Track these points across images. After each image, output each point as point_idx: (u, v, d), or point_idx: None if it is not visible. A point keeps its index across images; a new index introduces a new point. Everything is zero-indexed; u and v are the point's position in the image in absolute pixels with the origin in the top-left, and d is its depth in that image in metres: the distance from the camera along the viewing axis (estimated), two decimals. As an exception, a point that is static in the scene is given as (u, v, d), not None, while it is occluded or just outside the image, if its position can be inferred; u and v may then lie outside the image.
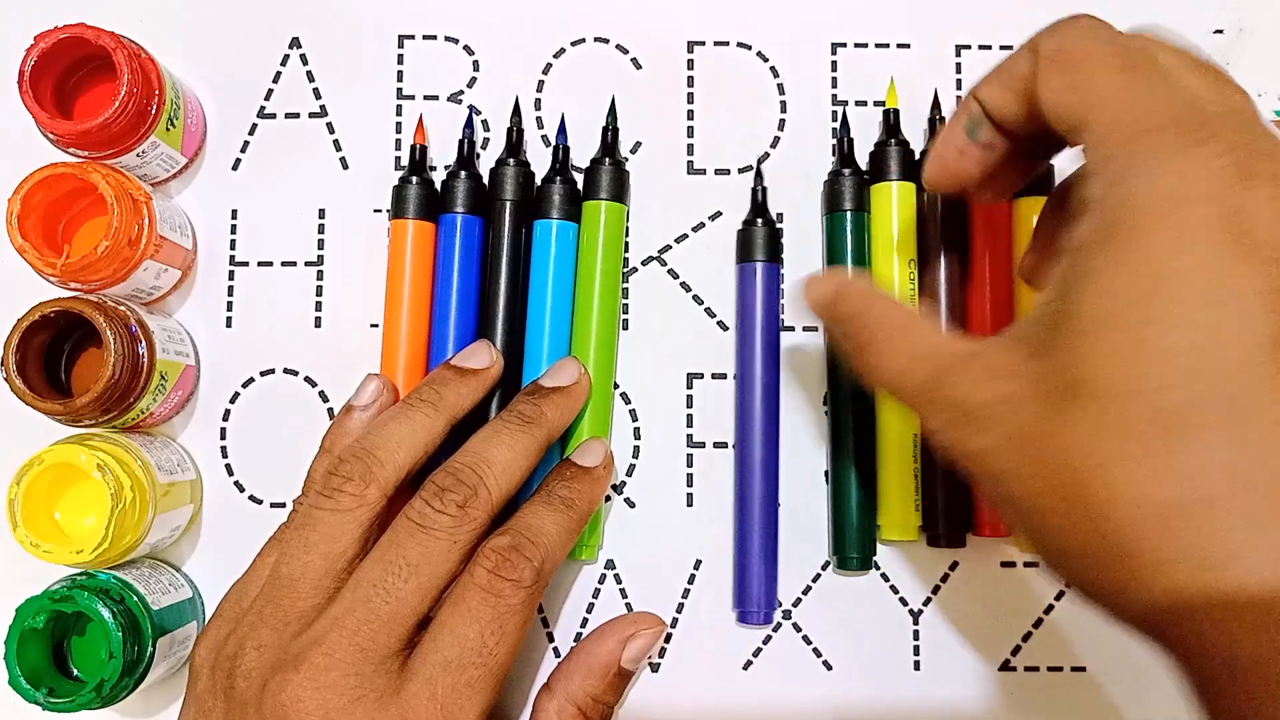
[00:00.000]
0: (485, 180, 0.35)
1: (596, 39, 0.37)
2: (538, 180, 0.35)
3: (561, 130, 0.35)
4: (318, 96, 0.37)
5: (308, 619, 0.27)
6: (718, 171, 0.37)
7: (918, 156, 0.35)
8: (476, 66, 0.37)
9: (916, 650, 0.35)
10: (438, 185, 0.35)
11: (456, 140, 0.36)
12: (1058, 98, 0.24)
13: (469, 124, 0.36)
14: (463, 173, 0.34)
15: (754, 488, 0.34)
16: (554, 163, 0.35)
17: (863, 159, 0.36)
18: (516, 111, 0.35)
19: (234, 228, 0.36)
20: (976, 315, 0.34)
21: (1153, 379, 0.20)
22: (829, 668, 0.35)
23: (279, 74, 0.37)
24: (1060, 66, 0.24)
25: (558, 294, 0.34)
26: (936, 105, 0.36)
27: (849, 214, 0.35)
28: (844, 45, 0.37)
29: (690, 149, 0.37)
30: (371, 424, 0.31)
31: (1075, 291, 0.21)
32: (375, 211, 0.36)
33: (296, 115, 0.36)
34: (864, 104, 0.37)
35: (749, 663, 0.35)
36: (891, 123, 0.35)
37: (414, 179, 0.34)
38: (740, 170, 0.37)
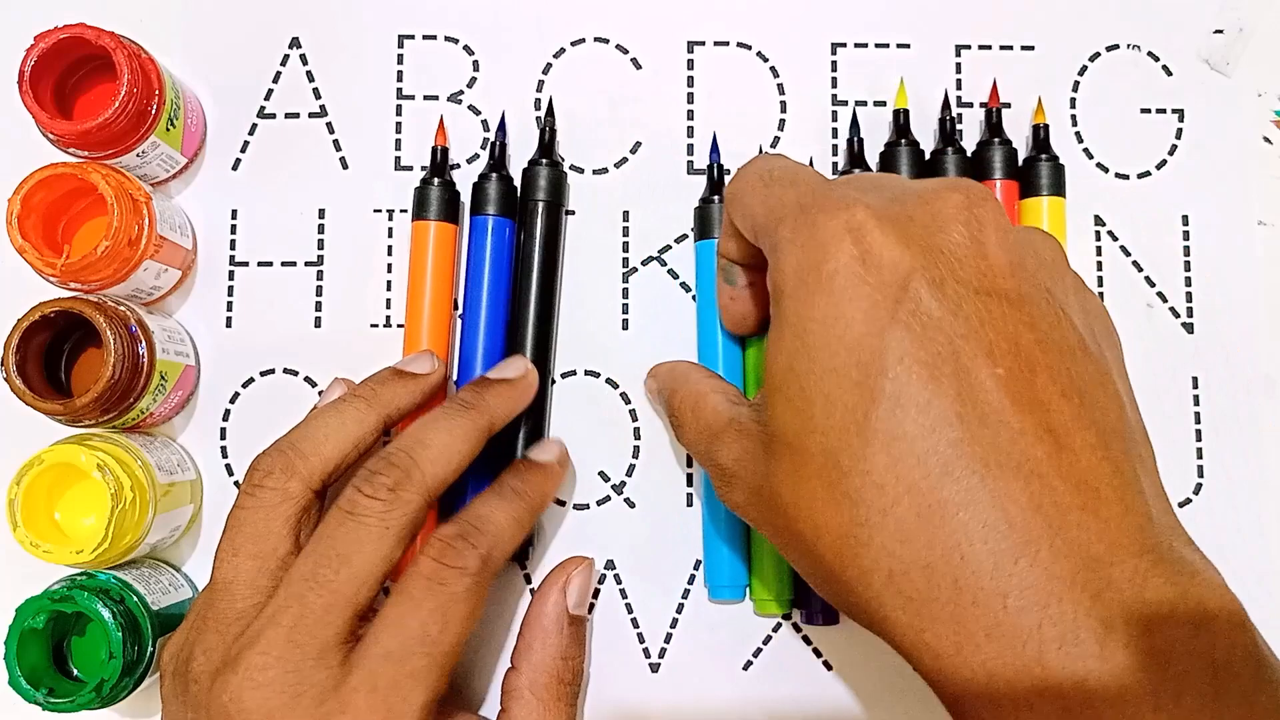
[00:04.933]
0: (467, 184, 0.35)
1: (596, 39, 0.37)
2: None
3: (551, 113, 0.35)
4: (318, 96, 0.37)
5: (247, 619, 0.27)
6: (718, 171, 0.37)
7: (928, 157, 0.35)
8: (476, 66, 0.37)
9: (917, 650, 0.35)
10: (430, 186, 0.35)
11: (451, 142, 0.36)
12: (740, 224, 0.28)
13: (501, 127, 0.36)
14: (494, 175, 0.34)
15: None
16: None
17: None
18: (550, 113, 0.36)
19: (234, 228, 0.36)
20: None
21: (810, 426, 0.23)
22: (829, 668, 0.35)
23: (279, 74, 0.37)
24: (731, 201, 0.28)
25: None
26: (946, 105, 0.36)
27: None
28: (844, 45, 0.37)
29: (690, 149, 0.37)
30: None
31: (765, 361, 0.25)
32: (375, 211, 0.36)
33: (296, 115, 0.36)
34: (864, 104, 0.37)
35: (749, 663, 0.35)
36: (901, 123, 0.35)
37: (435, 180, 0.34)
38: (740, 170, 0.37)
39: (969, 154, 0.35)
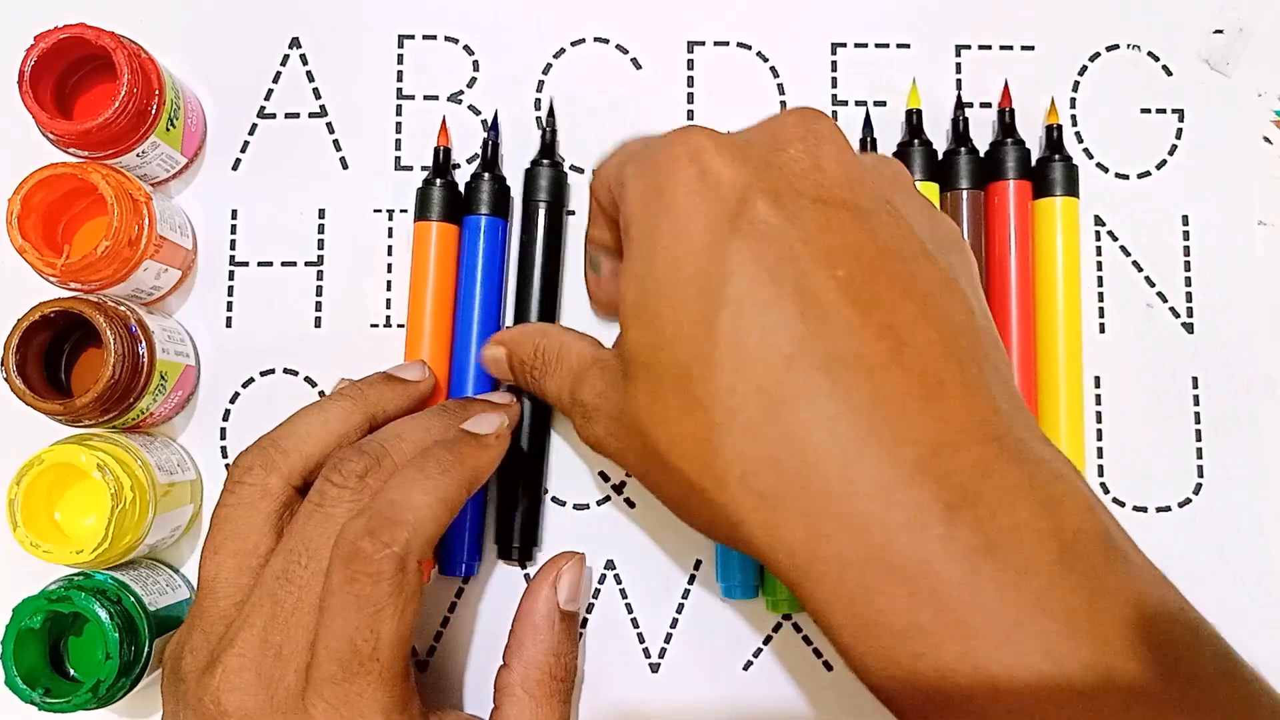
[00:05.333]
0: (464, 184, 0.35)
1: (596, 39, 0.37)
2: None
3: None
4: (318, 96, 0.37)
5: (229, 619, 0.27)
6: (718, 171, 0.36)
7: (940, 157, 0.35)
8: (476, 66, 0.37)
9: (917, 651, 0.34)
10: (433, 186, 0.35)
11: (449, 142, 0.36)
12: (599, 196, 0.29)
13: (494, 127, 0.36)
14: (487, 175, 0.34)
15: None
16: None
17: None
18: (551, 114, 0.36)
19: (234, 228, 0.36)
20: (1000, 313, 0.34)
21: (661, 341, 0.24)
22: (829, 668, 0.35)
23: (279, 74, 0.37)
24: (596, 179, 0.29)
25: None
26: (960, 105, 0.36)
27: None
28: (844, 45, 0.37)
29: (690, 149, 0.37)
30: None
31: (619, 293, 0.25)
32: (375, 211, 0.36)
33: (296, 115, 0.36)
34: (863, 104, 0.37)
35: (749, 663, 0.35)
36: (914, 123, 0.35)
37: (438, 181, 0.34)
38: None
39: (981, 155, 0.35)
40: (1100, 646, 0.20)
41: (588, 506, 0.35)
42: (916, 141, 0.35)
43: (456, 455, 0.28)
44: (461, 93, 0.37)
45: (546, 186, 0.35)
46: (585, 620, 0.35)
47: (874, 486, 0.21)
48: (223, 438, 0.35)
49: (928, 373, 0.22)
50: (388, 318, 0.36)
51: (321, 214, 0.36)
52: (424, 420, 0.30)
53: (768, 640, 0.35)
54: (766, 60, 0.37)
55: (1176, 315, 0.36)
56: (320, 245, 0.36)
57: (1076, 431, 0.34)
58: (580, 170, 0.36)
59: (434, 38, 0.37)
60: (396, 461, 0.28)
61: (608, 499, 0.35)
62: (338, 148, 0.36)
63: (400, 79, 0.37)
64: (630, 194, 0.25)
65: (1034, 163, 0.35)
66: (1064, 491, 0.22)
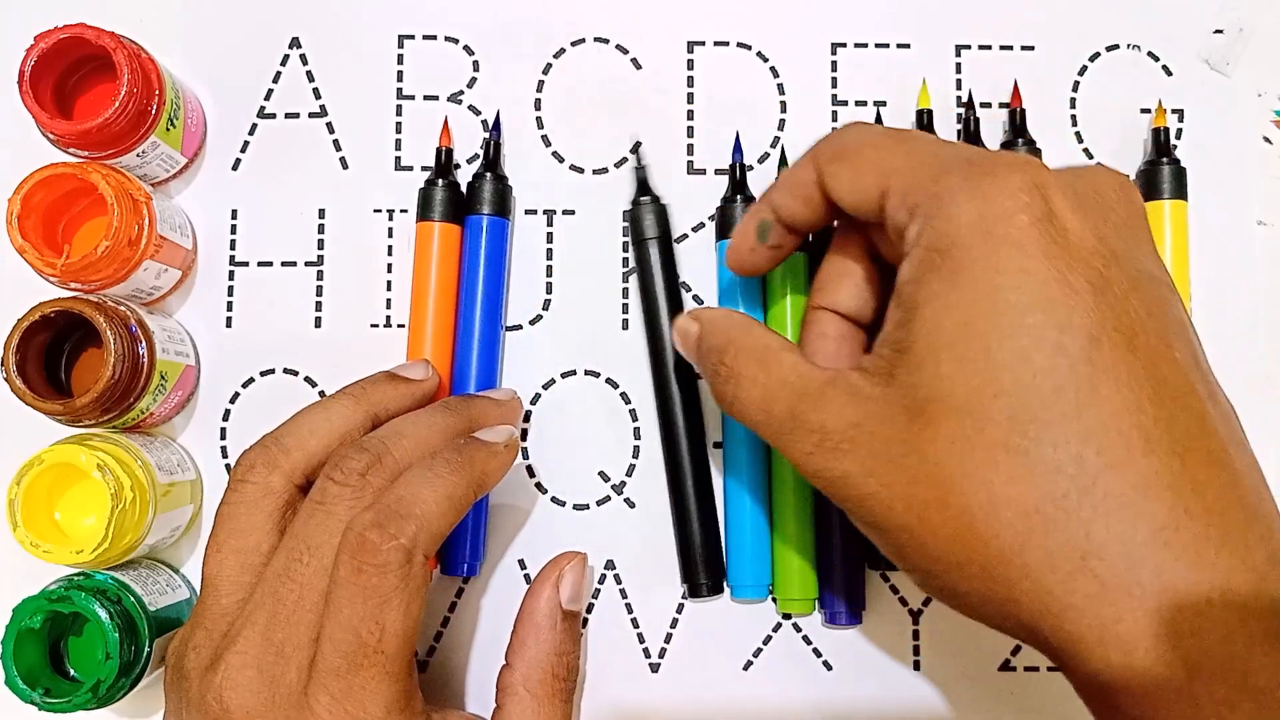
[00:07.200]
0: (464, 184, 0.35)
1: (596, 39, 0.37)
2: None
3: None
4: (318, 96, 0.37)
5: (231, 617, 0.27)
6: (718, 171, 0.36)
7: None
8: (476, 66, 0.37)
9: (916, 650, 0.34)
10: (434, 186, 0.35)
11: (450, 142, 0.36)
12: (849, 186, 0.26)
13: (496, 126, 0.36)
14: (489, 174, 0.35)
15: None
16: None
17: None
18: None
19: (234, 228, 0.36)
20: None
21: (996, 387, 0.21)
22: (829, 668, 0.35)
23: (279, 74, 0.37)
24: (842, 160, 0.26)
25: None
26: (971, 105, 0.36)
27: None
28: (844, 45, 0.37)
29: (690, 149, 0.37)
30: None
31: (915, 319, 0.23)
32: (375, 211, 0.36)
33: (296, 115, 0.36)
34: (864, 104, 0.37)
35: (749, 663, 0.35)
36: (925, 123, 0.35)
37: (440, 181, 0.34)
38: (740, 170, 0.37)
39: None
40: None
41: (588, 506, 0.35)
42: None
43: (465, 457, 0.28)
44: (461, 93, 0.37)
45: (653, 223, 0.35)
46: (585, 620, 0.35)
47: (1230, 596, 0.20)
48: (223, 438, 0.35)
49: (1253, 465, 0.22)
50: (388, 318, 0.36)
51: (321, 214, 0.36)
52: (426, 417, 0.30)
53: (768, 640, 0.35)
54: (766, 60, 0.37)
55: (1176, 315, 0.36)
56: (320, 245, 0.36)
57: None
58: (580, 170, 0.36)
59: (434, 38, 0.37)
60: (398, 458, 0.28)
61: (608, 499, 0.35)
62: (338, 148, 0.36)
63: (400, 79, 0.37)
64: (960, 211, 0.22)
65: (1141, 164, 0.36)
66: None
